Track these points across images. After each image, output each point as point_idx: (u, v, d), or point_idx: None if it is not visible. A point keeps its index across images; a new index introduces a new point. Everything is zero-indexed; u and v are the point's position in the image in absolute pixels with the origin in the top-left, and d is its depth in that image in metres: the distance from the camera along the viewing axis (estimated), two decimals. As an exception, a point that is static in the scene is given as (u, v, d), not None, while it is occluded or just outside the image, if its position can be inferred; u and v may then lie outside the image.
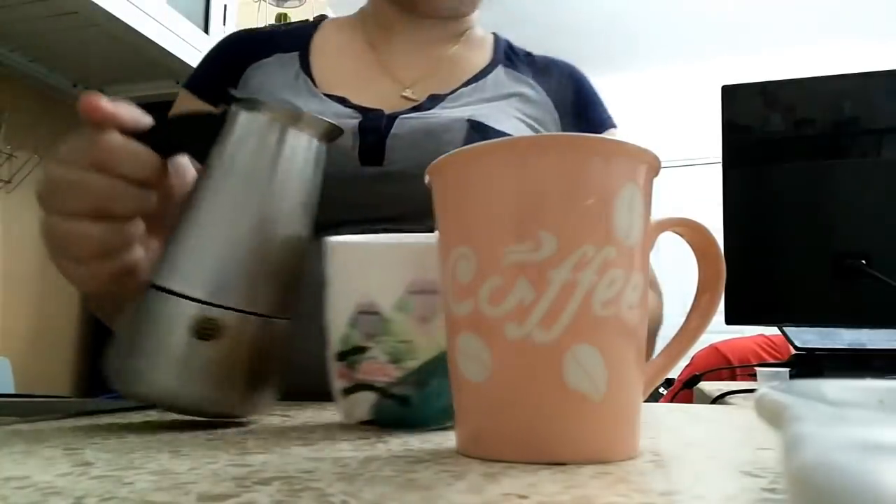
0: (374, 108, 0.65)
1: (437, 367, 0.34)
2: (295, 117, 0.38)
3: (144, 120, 0.38)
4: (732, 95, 0.79)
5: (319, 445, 0.29)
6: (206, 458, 0.26)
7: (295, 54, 0.71)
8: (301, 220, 0.38)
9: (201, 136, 0.37)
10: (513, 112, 0.68)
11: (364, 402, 0.36)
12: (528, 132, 0.67)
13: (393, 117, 0.64)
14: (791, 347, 1.41)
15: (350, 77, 0.70)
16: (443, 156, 0.27)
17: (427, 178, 0.29)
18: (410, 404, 0.35)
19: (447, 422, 0.34)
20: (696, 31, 3.46)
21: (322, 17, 0.80)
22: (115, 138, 0.36)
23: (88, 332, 1.73)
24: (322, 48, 0.73)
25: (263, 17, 2.16)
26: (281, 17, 2.12)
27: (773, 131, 0.78)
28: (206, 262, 0.35)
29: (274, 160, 0.37)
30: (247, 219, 0.36)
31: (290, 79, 0.69)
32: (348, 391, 0.36)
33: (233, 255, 0.35)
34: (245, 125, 0.37)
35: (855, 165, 0.75)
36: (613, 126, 0.75)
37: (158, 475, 0.22)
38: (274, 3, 2.21)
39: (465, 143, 0.58)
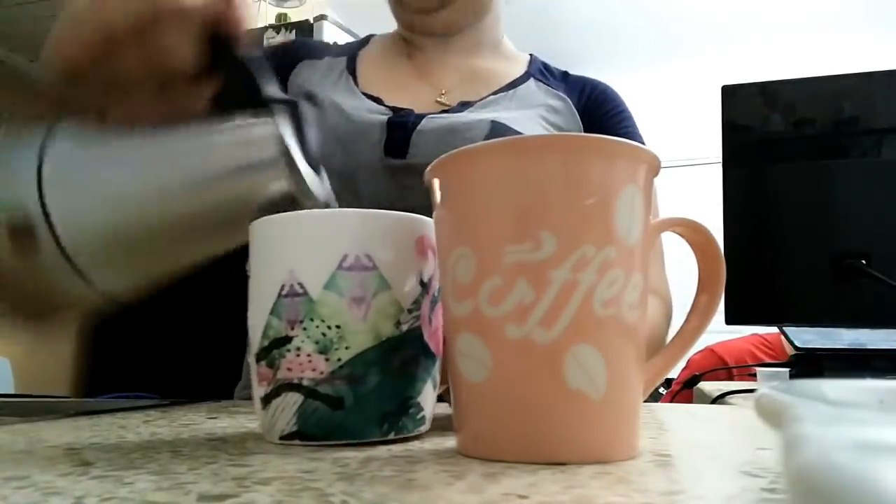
0: (406, 108, 0.69)
1: (375, 361, 0.29)
2: (291, 168, 0.35)
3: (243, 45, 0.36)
4: (732, 95, 0.79)
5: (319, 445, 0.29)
6: (206, 458, 0.26)
7: (343, 58, 0.78)
8: (201, 236, 0.35)
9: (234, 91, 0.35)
10: (538, 119, 0.70)
11: (287, 409, 0.30)
12: None
13: (421, 116, 0.67)
14: (786, 346, 1.41)
15: (390, 81, 0.75)
16: (443, 155, 0.27)
17: (427, 178, 0.29)
18: (343, 407, 0.29)
19: (390, 433, 0.30)
20: (696, 31, 3.46)
21: (365, 40, 0.85)
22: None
23: (88, 332, 1.73)
24: (367, 56, 0.79)
25: (263, 18, 2.16)
26: (281, 16, 2.12)
27: (773, 131, 0.78)
28: (78, 185, 0.33)
29: (228, 170, 0.34)
30: (143, 185, 0.33)
31: (334, 77, 0.75)
32: (269, 397, 0.30)
33: (103, 204, 0.33)
34: (256, 129, 0.35)
35: (855, 165, 0.75)
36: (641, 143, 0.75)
37: (158, 475, 0.22)
38: (274, 3, 2.21)
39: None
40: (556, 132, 0.70)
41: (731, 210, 0.77)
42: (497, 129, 0.64)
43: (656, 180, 0.28)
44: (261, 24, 1.92)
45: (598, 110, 0.75)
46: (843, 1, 3.14)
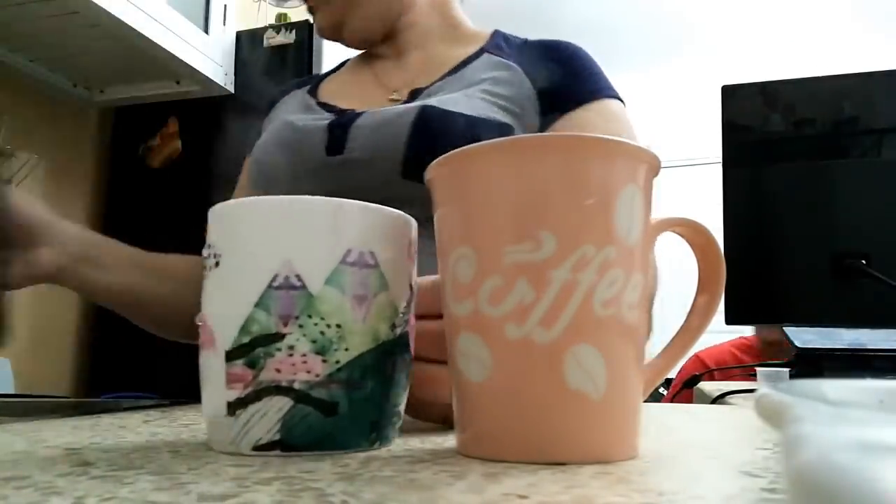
0: (350, 109, 0.70)
1: (373, 365, 0.28)
2: None
3: None
4: (732, 95, 0.79)
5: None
6: (206, 458, 0.26)
7: (307, 86, 0.80)
8: None
9: None
10: (478, 95, 0.67)
11: (270, 415, 0.26)
12: (492, 110, 0.66)
13: (361, 113, 0.67)
14: (762, 344, 1.43)
15: (349, 90, 0.78)
16: (443, 156, 0.27)
17: (427, 177, 0.29)
18: (336, 413, 0.27)
19: (376, 443, 0.29)
20: (696, 31, 3.46)
21: (340, 66, 0.87)
22: None
23: (88, 332, 1.73)
24: (334, 77, 0.82)
25: (263, 18, 2.16)
26: (281, 17, 2.12)
27: (773, 131, 0.78)
28: None
29: None
30: None
31: (295, 103, 0.77)
32: (243, 402, 0.27)
33: None
34: None
35: (855, 165, 0.75)
36: (611, 96, 0.69)
37: (158, 475, 0.22)
38: (274, 3, 2.21)
39: (414, 127, 0.61)
40: (496, 101, 0.67)
41: (731, 210, 0.77)
42: (425, 114, 0.62)
43: (656, 181, 0.28)
44: (261, 24, 1.91)
45: (562, 73, 0.70)
46: (844, 1, 3.14)
